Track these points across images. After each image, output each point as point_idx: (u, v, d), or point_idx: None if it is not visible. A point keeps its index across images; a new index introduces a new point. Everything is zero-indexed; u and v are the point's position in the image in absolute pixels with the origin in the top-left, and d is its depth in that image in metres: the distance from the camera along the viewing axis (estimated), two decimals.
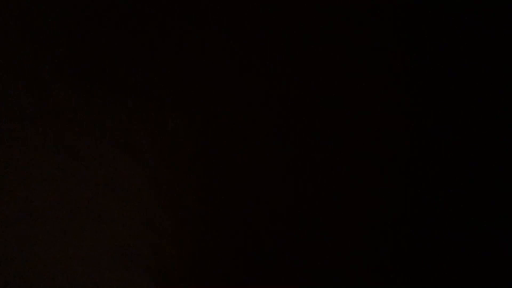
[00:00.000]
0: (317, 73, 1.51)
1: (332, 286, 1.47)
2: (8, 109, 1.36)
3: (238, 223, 1.46)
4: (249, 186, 1.47)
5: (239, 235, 1.46)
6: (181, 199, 1.43)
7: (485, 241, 1.51)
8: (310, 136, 1.50)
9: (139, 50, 1.45)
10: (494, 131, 1.53)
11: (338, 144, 1.50)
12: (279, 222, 1.47)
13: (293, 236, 1.47)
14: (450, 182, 1.51)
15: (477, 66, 1.54)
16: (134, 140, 1.40)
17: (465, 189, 1.51)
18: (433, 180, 1.51)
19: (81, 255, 1.38)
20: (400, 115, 1.51)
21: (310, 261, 1.47)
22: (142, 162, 1.40)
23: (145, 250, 1.40)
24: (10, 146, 1.36)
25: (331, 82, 1.51)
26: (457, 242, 1.50)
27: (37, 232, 1.37)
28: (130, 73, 1.43)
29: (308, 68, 1.51)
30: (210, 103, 1.47)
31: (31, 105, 1.35)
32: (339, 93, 1.51)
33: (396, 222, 1.50)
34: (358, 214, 1.49)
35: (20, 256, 1.36)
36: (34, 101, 1.35)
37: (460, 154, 1.52)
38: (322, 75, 1.50)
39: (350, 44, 1.51)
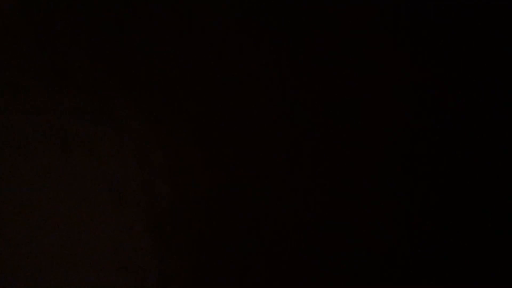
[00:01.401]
0: (317, 74, 1.51)
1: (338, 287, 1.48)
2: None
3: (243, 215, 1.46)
4: (256, 183, 1.47)
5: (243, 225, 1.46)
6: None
7: (485, 241, 1.51)
8: (315, 136, 1.50)
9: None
10: (495, 131, 1.53)
11: (342, 145, 1.50)
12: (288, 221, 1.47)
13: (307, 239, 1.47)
14: (452, 182, 1.52)
15: (481, 65, 1.54)
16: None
17: (468, 190, 1.52)
18: (437, 180, 1.51)
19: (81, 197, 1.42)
20: (403, 115, 1.52)
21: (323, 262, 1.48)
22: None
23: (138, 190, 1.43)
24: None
25: (332, 83, 1.51)
26: (457, 242, 1.51)
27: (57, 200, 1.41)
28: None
29: (309, 68, 1.51)
30: (216, 104, 1.47)
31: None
32: (339, 93, 1.51)
33: (403, 223, 1.50)
34: (359, 214, 1.49)
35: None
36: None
37: (463, 155, 1.52)
38: (322, 76, 1.51)
39: (351, 43, 1.52)
